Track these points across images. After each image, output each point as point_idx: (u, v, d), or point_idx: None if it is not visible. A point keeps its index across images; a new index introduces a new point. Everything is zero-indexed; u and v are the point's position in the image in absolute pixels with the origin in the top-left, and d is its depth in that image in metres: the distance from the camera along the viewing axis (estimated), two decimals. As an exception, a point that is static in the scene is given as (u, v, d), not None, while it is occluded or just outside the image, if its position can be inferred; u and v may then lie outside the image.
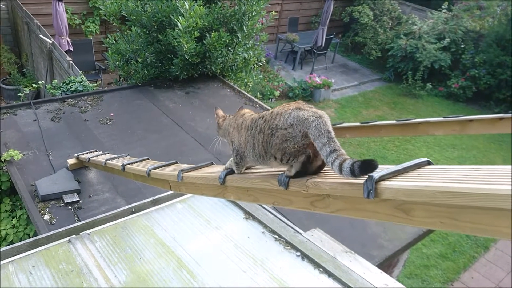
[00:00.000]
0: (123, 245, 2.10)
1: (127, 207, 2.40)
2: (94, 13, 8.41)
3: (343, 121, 7.47)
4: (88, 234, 2.16)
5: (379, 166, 0.91)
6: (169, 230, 2.24)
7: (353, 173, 0.91)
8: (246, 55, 5.95)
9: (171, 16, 5.14)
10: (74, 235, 2.13)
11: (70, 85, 5.26)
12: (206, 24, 5.30)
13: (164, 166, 1.96)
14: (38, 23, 6.73)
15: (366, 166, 0.90)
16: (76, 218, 3.13)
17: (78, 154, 3.69)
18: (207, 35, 5.34)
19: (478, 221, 0.73)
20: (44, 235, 2.10)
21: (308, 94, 9.24)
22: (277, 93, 8.93)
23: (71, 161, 3.67)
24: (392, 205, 0.87)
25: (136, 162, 2.33)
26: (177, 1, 5.06)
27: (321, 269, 2.03)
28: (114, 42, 5.72)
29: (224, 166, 1.47)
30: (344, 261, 2.10)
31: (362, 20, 11.39)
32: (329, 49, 10.87)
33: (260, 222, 2.34)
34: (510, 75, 9.51)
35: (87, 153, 3.63)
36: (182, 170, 1.67)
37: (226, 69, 6.00)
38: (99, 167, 3.18)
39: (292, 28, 11.19)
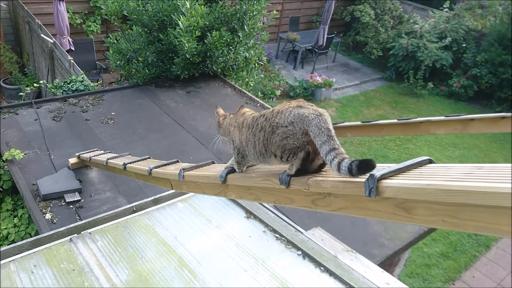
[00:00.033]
0: (125, 244, 2.10)
1: (128, 206, 2.40)
2: (95, 13, 8.42)
3: (344, 120, 7.46)
4: (90, 233, 2.16)
5: (380, 164, 0.91)
6: (170, 229, 2.24)
7: (351, 173, 0.92)
8: (247, 54, 5.95)
9: (172, 15, 5.14)
10: (76, 234, 2.13)
11: (71, 84, 5.26)
12: (207, 23, 5.30)
13: (165, 165, 1.96)
14: (40, 23, 6.74)
15: (364, 166, 0.90)
16: (77, 217, 3.14)
17: (80, 153, 3.69)
18: (208, 34, 5.33)
19: (479, 219, 0.72)
20: (45, 234, 2.10)
21: (309, 93, 9.23)
22: (278, 92, 8.93)
23: (73, 160, 3.67)
24: (394, 203, 0.87)
25: (137, 161, 2.33)
26: (178, 0, 5.06)
27: (322, 268, 2.02)
28: (115, 41, 5.72)
29: (225, 165, 1.48)
30: (345, 260, 2.10)
31: (363, 19, 11.37)
32: (330, 48, 10.86)
33: (261, 221, 2.34)
34: (511, 74, 9.49)
35: (88, 152, 3.63)
36: (183, 169, 1.67)
37: (227, 68, 6.00)
38: (100, 166, 3.18)
39: (293, 27, 11.19)
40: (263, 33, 6.01)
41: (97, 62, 8.02)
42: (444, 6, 10.75)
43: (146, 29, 5.51)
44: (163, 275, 1.91)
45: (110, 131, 4.44)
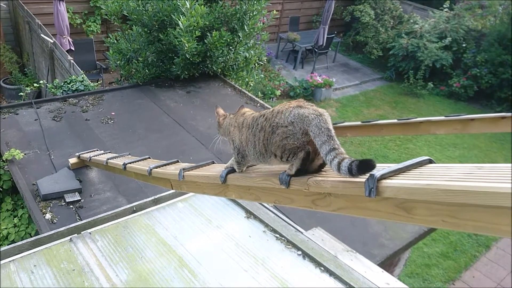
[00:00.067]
0: (125, 244, 2.10)
1: (128, 206, 2.40)
2: (95, 13, 8.42)
3: (344, 120, 7.47)
4: (90, 233, 2.16)
5: (380, 164, 0.91)
6: (170, 229, 2.24)
7: (351, 173, 0.92)
8: (247, 54, 5.95)
9: (172, 15, 5.14)
10: (76, 234, 2.13)
11: (71, 84, 5.26)
12: (207, 23, 5.30)
13: (165, 165, 1.96)
14: (40, 23, 6.74)
15: (364, 166, 0.90)
16: (77, 217, 3.14)
17: (80, 153, 3.69)
18: (208, 34, 5.33)
19: (479, 219, 0.72)
20: (45, 234, 2.10)
21: (309, 93, 9.23)
22: (278, 92, 8.93)
23: (73, 160, 3.67)
24: (394, 203, 0.87)
25: (137, 161, 2.33)
26: (178, 0, 5.05)
27: (322, 268, 2.02)
28: (115, 41, 5.72)
29: (225, 165, 1.47)
30: (345, 260, 2.10)
31: (363, 19, 11.37)
32: (330, 48, 10.86)
33: (261, 221, 2.34)
34: (511, 74, 9.49)
35: (89, 152, 3.63)
36: (183, 169, 1.67)
37: (227, 68, 6.00)
38: (100, 166, 3.18)
39: (293, 27, 11.19)
40: (263, 33, 6.01)
41: (97, 62, 8.02)
42: (444, 6, 10.75)
43: (146, 29, 5.51)
44: (163, 275, 1.91)
45: (110, 131, 4.44)
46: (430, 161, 0.98)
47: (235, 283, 1.90)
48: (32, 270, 1.89)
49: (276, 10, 6.39)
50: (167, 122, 4.75)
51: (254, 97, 5.57)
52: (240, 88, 5.76)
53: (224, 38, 5.30)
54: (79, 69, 5.63)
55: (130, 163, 2.29)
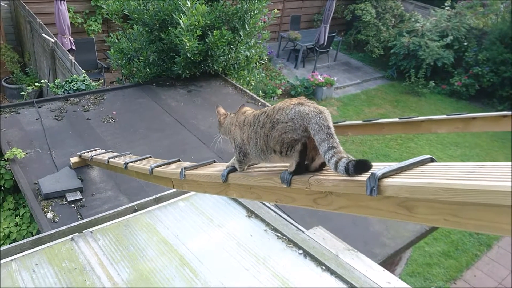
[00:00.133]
0: (126, 243, 2.10)
1: (129, 205, 2.40)
2: (96, 12, 8.42)
3: (346, 119, 7.46)
4: (91, 232, 2.16)
5: (382, 163, 0.91)
6: (172, 228, 2.24)
7: (348, 172, 0.92)
8: (248, 54, 5.94)
9: (173, 15, 5.14)
10: (77, 233, 2.14)
11: (72, 83, 5.27)
12: (208, 22, 5.30)
13: (166, 164, 1.97)
14: (41, 22, 6.75)
15: (360, 166, 0.91)
16: (79, 216, 3.14)
17: (81, 152, 3.70)
18: (209, 33, 5.33)
19: (480, 217, 0.72)
20: (47, 233, 2.11)
21: (311, 92, 9.22)
22: (279, 91, 8.92)
23: (74, 159, 3.68)
24: (395, 202, 0.86)
25: (139, 160, 2.33)
26: (179, -1, 5.06)
27: (323, 267, 2.02)
28: (117, 40, 5.72)
29: (226, 164, 1.48)
30: (347, 259, 2.10)
31: (364, 18, 11.36)
32: (331, 47, 10.85)
33: (262, 220, 2.34)
34: (513, 73, 9.48)
35: (90, 151, 3.63)
36: (185, 168, 1.67)
37: (228, 67, 6.00)
38: (101, 165, 3.19)
39: (294, 26, 11.18)
40: (264, 32, 6.00)
41: (98, 62, 8.02)
42: (446, 4, 10.72)
43: (147, 28, 5.51)
44: (164, 274, 1.91)
45: (112, 130, 4.44)
46: (432, 160, 0.98)
47: (236, 282, 1.90)
48: (34, 269, 1.90)
49: (277, 9, 6.38)
50: (168, 121, 4.76)
51: (255, 96, 5.57)
52: (241, 87, 5.76)
53: (225, 37, 5.29)
54: (81, 68, 5.64)
55: (131, 162, 2.29)
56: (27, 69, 7.99)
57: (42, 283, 1.81)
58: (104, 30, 8.66)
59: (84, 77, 5.42)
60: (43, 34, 6.51)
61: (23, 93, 5.73)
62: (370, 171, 0.89)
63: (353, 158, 0.94)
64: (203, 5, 5.05)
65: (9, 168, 3.72)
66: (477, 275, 5.25)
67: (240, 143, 1.30)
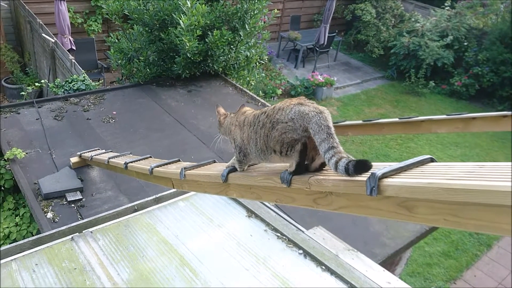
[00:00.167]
0: (126, 243, 2.10)
1: (129, 205, 2.40)
2: (96, 12, 8.42)
3: (346, 119, 7.46)
4: (91, 232, 2.16)
5: (382, 163, 0.91)
6: (172, 228, 2.24)
7: (347, 172, 0.93)
8: (248, 53, 5.94)
9: (173, 15, 5.14)
10: (77, 233, 2.14)
11: (72, 83, 5.27)
12: (208, 22, 5.30)
13: (166, 164, 1.96)
14: (41, 22, 6.75)
15: (360, 166, 0.91)
16: (79, 216, 3.14)
17: (81, 152, 3.70)
18: (209, 33, 5.33)
19: (480, 217, 0.72)
20: (47, 233, 2.11)
21: (311, 92, 9.22)
22: (279, 91, 8.92)
23: (74, 159, 3.68)
24: (395, 202, 0.86)
25: (139, 160, 2.33)
26: (179, -1, 5.06)
27: (323, 267, 2.02)
28: (117, 40, 5.72)
29: (226, 164, 1.48)
30: (347, 259, 2.10)
31: (364, 18, 11.36)
32: (331, 47, 10.85)
33: (262, 220, 2.34)
34: (513, 73, 9.47)
35: (90, 151, 3.63)
36: (185, 168, 1.67)
37: (228, 67, 6.00)
38: (101, 165, 3.19)
39: (294, 26, 11.17)
40: (264, 32, 6.00)
41: (98, 62, 8.02)
42: (446, 4, 10.73)
43: (147, 28, 5.51)
44: (164, 274, 1.91)
45: (112, 130, 4.44)
46: (432, 160, 0.98)
47: (236, 282, 1.90)
48: (34, 269, 1.90)
49: (277, 9, 6.39)
50: (168, 121, 4.76)
51: (255, 96, 5.57)
52: (241, 87, 5.76)
53: (225, 37, 5.29)
54: (80, 68, 5.64)
55: (131, 162, 2.29)
56: (27, 69, 7.99)
57: (42, 283, 1.81)
58: (104, 30, 8.66)
59: (84, 77, 5.42)
60: (43, 34, 6.51)
61: (23, 93, 5.73)
62: (370, 171, 0.89)
63: (353, 158, 0.95)
64: (203, 5, 5.05)
65: (9, 168, 3.72)
66: (477, 275, 5.25)
67: (240, 143, 1.30)
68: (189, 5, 4.92)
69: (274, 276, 1.94)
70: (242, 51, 5.88)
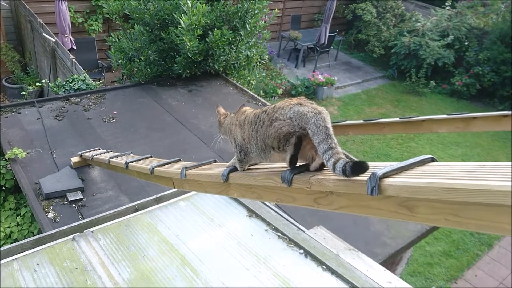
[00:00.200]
0: (127, 243, 2.10)
1: (130, 205, 2.40)
2: (97, 12, 8.42)
3: (346, 119, 7.46)
4: (92, 232, 2.16)
5: (382, 163, 0.91)
6: (173, 227, 2.25)
7: (345, 173, 0.93)
8: (248, 53, 5.94)
9: (174, 14, 5.14)
10: (78, 233, 2.14)
11: (73, 83, 5.27)
12: (208, 22, 5.30)
13: (167, 164, 1.97)
14: (41, 22, 6.75)
15: (357, 168, 0.92)
16: (80, 216, 3.15)
17: (82, 152, 3.70)
18: (210, 33, 5.33)
19: (481, 217, 0.72)
20: (48, 233, 2.11)
21: (311, 92, 9.22)
22: (280, 91, 8.92)
23: (75, 159, 3.68)
24: (396, 202, 0.86)
25: (139, 160, 2.33)
26: (179, -1, 5.06)
27: (324, 267, 2.03)
28: (117, 40, 5.72)
29: (227, 163, 1.48)
30: (348, 259, 2.10)
31: (365, 18, 11.35)
32: (332, 47, 10.84)
33: (263, 219, 2.34)
34: (514, 72, 9.47)
35: (91, 151, 3.64)
36: (185, 167, 1.67)
37: (229, 67, 6.00)
38: (102, 165, 3.19)
39: (295, 26, 11.17)
40: (265, 31, 6.00)
41: (99, 61, 8.02)
42: (446, 4, 10.72)
43: (147, 28, 5.52)
44: (165, 274, 1.91)
45: (112, 130, 4.44)
46: (433, 160, 0.98)
47: (237, 281, 1.90)
48: (35, 268, 1.90)
49: (278, 9, 6.38)
50: (169, 121, 4.76)
51: (255, 95, 5.57)
52: (241, 86, 5.76)
53: (225, 37, 5.29)
54: (81, 68, 5.64)
55: (132, 162, 2.30)
56: (27, 68, 7.99)
57: (43, 283, 1.82)
58: (104, 30, 8.66)
59: (84, 76, 5.43)
60: (44, 34, 6.51)
61: (23, 92, 5.73)
62: (371, 171, 0.89)
63: (353, 159, 0.95)
64: (204, 4, 5.05)
65: (10, 168, 3.72)
66: (478, 275, 5.25)
67: (240, 142, 1.30)
68: (190, 5, 4.92)
69: (275, 276, 1.94)
70: (243, 51, 5.88)
